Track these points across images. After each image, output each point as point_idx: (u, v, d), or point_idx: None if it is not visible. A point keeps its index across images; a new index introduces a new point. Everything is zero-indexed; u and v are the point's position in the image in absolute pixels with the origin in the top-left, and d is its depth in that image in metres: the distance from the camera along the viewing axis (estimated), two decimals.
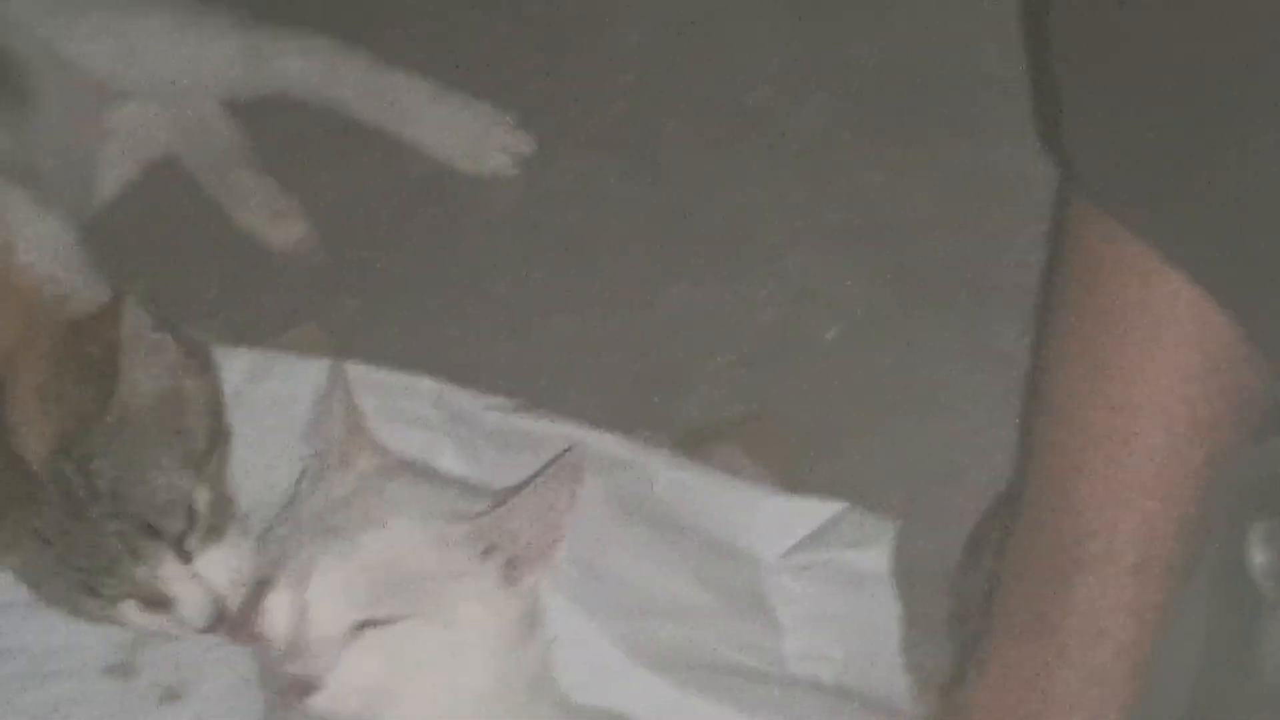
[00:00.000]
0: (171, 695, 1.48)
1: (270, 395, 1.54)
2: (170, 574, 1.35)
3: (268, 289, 1.81)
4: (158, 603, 1.36)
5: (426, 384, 1.54)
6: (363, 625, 1.30)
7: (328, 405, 1.39)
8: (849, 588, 1.47)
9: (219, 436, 1.40)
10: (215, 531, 1.37)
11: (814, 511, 1.48)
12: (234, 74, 1.86)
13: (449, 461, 1.50)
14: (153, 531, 1.34)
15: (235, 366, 1.55)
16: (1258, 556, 1.32)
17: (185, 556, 1.35)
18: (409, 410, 1.52)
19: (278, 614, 1.31)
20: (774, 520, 1.47)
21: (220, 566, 1.37)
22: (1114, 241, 1.23)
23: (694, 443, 1.59)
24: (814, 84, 1.94)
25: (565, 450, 1.43)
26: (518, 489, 1.39)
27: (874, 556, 1.47)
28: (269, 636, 1.31)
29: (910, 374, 1.75)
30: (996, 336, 1.76)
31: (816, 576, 1.46)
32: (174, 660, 1.49)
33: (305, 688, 1.28)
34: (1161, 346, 1.23)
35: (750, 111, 1.93)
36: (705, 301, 1.81)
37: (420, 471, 1.44)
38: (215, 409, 1.41)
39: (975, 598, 1.53)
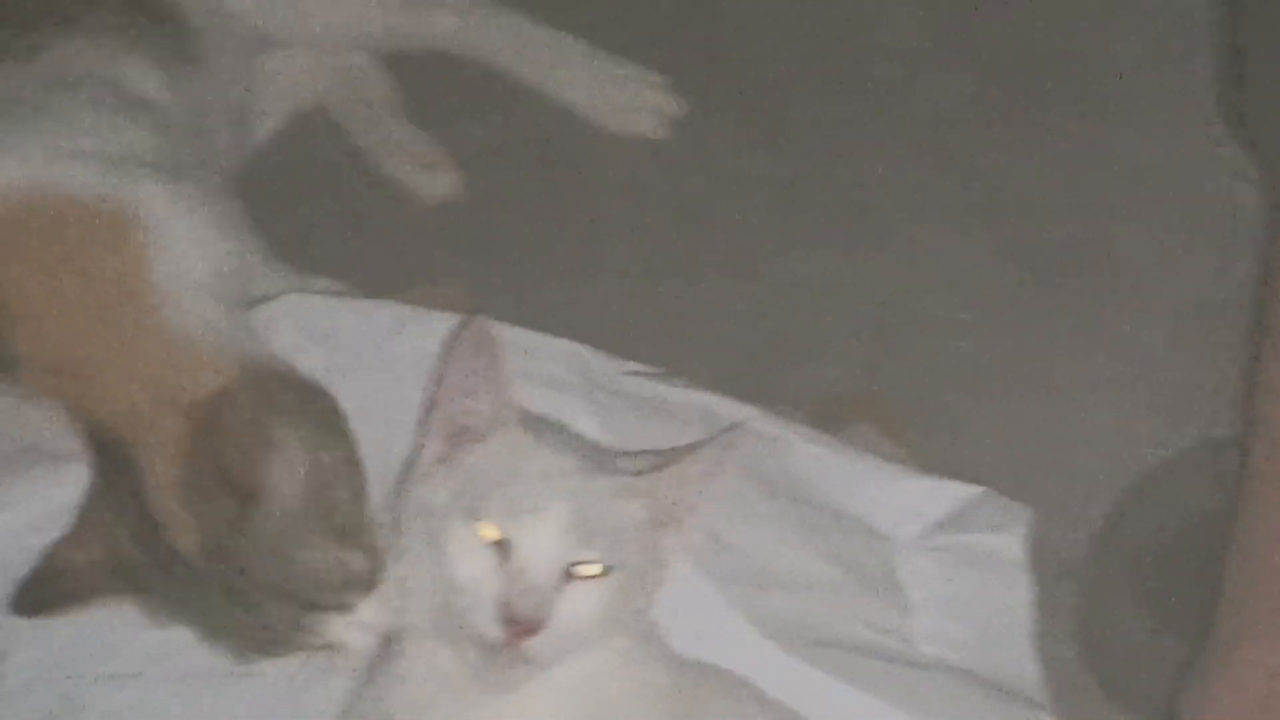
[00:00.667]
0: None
1: (407, 350, 1.53)
2: (336, 628, 1.36)
3: (404, 243, 1.83)
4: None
5: (565, 346, 1.54)
6: (570, 570, 1.30)
7: (475, 358, 1.36)
8: (983, 571, 1.47)
9: (362, 489, 1.39)
10: (373, 577, 1.37)
11: (951, 494, 1.48)
12: (388, 25, 1.86)
13: (583, 425, 1.49)
14: (315, 603, 1.35)
15: (374, 320, 1.56)
16: None
17: (348, 609, 1.36)
18: (545, 372, 1.52)
19: (479, 559, 1.31)
20: (910, 500, 1.48)
21: (381, 608, 1.37)
22: None
23: (816, 417, 1.59)
24: (943, 61, 1.95)
25: (732, 425, 1.43)
26: (676, 452, 1.39)
27: (1009, 542, 1.47)
28: (467, 580, 1.31)
29: (1027, 357, 1.76)
30: (1116, 322, 1.77)
31: (950, 558, 1.46)
32: None
33: (528, 628, 1.27)
34: None
35: (878, 86, 1.94)
36: (825, 275, 1.81)
37: (561, 428, 1.44)
38: (353, 463, 1.40)
39: (1108, 590, 1.54)
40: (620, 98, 1.89)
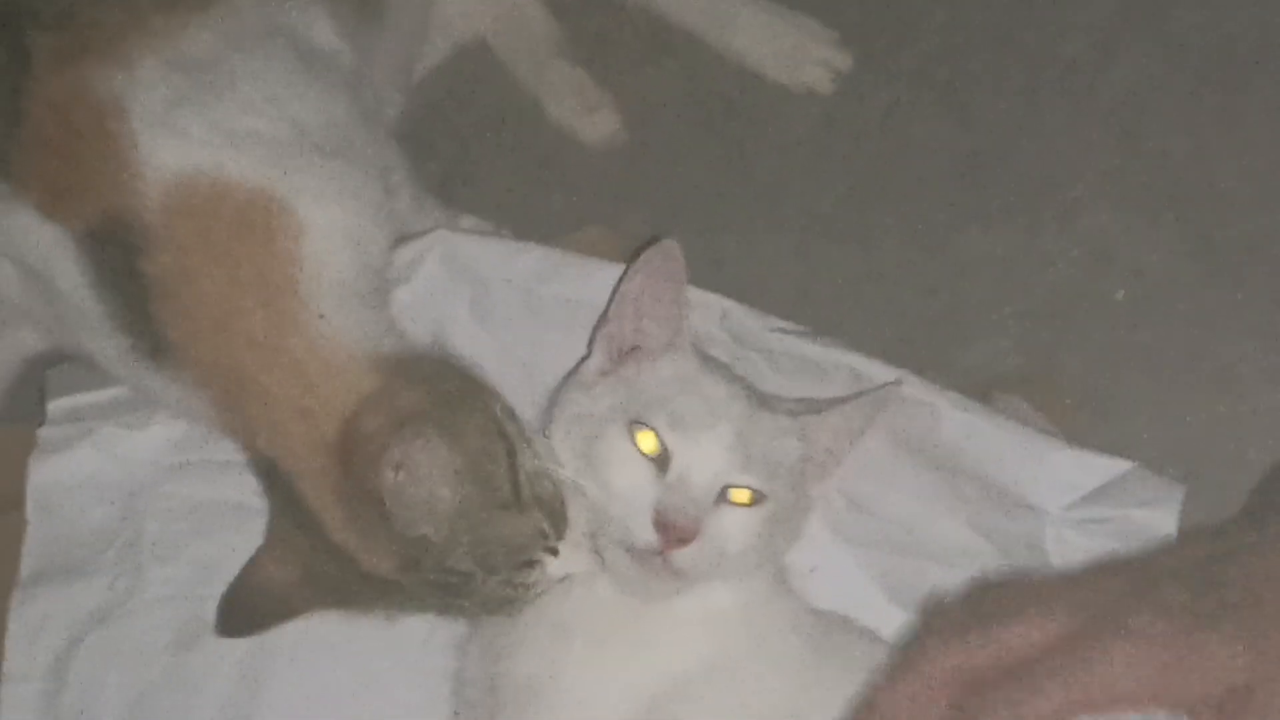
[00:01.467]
0: None
1: (557, 295, 1.54)
2: (553, 571, 1.36)
3: (559, 186, 1.82)
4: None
5: (714, 300, 1.53)
6: (724, 491, 1.32)
7: (659, 279, 1.39)
8: (1132, 546, 1.43)
9: (513, 449, 1.37)
10: (561, 519, 1.38)
11: (1102, 468, 1.45)
12: None
13: None
14: (527, 563, 1.35)
15: (526, 263, 1.56)
16: None
17: (554, 553, 1.36)
18: (694, 324, 1.50)
19: (638, 467, 1.33)
20: (1061, 472, 1.44)
21: (581, 545, 1.38)
22: None
23: (976, 391, 1.56)
24: (1129, 41, 1.88)
25: (888, 383, 1.44)
26: (831, 401, 1.41)
27: (1161, 518, 1.44)
28: (625, 486, 1.33)
29: (1199, 347, 1.71)
30: None
31: (1100, 532, 1.43)
32: None
33: (682, 536, 1.29)
34: None
35: (1061, 62, 1.88)
36: (997, 249, 1.78)
37: (729, 369, 1.45)
38: (499, 431, 1.38)
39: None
40: (788, 48, 1.86)
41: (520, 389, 1.47)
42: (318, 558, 1.37)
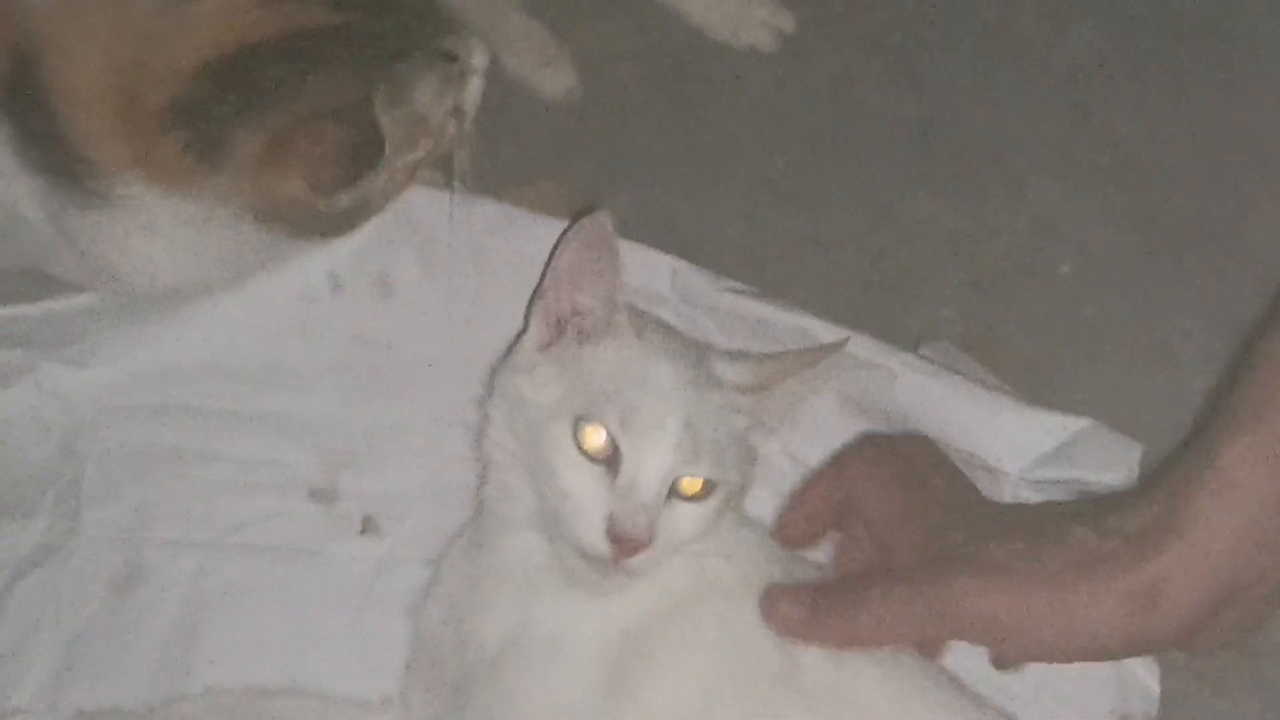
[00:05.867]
0: (371, 526, 1.48)
1: (506, 250, 1.53)
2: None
3: (509, 139, 1.79)
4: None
5: (664, 260, 1.52)
6: (675, 484, 1.29)
7: (590, 252, 1.32)
8: None
9: None
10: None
11: (1059, 426, 1.45)
12: None
13: None
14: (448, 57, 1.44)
15: (474, 217, 1.55)
16: None
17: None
18: (642, 284, 1.50)
19: (587, 470, 1.29)
20: (1017, 432, 1.44)
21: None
22: None
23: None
24: (1082, 18, 1.90)
25: (835, 342, 1.39)
26: (777, 358, 1.37)
27: (1119, 478, 1.43)
28: (575, 490, 1.29)
29: (1141, 323, 1.72)
30: (1235, 299, 1.71)
31: (1058, 491, 1.42)
32: (377, 491, 1.50)
33: (635, 547, 1.26)
34: None
35: (1013, 34, 1.90)
36: (944, 218, 1.78)
37: (668, 329, 1.40)
38: None
39: None
40: (731, 6, 1.87)
41: (463, 342, 1.48)
42: None
